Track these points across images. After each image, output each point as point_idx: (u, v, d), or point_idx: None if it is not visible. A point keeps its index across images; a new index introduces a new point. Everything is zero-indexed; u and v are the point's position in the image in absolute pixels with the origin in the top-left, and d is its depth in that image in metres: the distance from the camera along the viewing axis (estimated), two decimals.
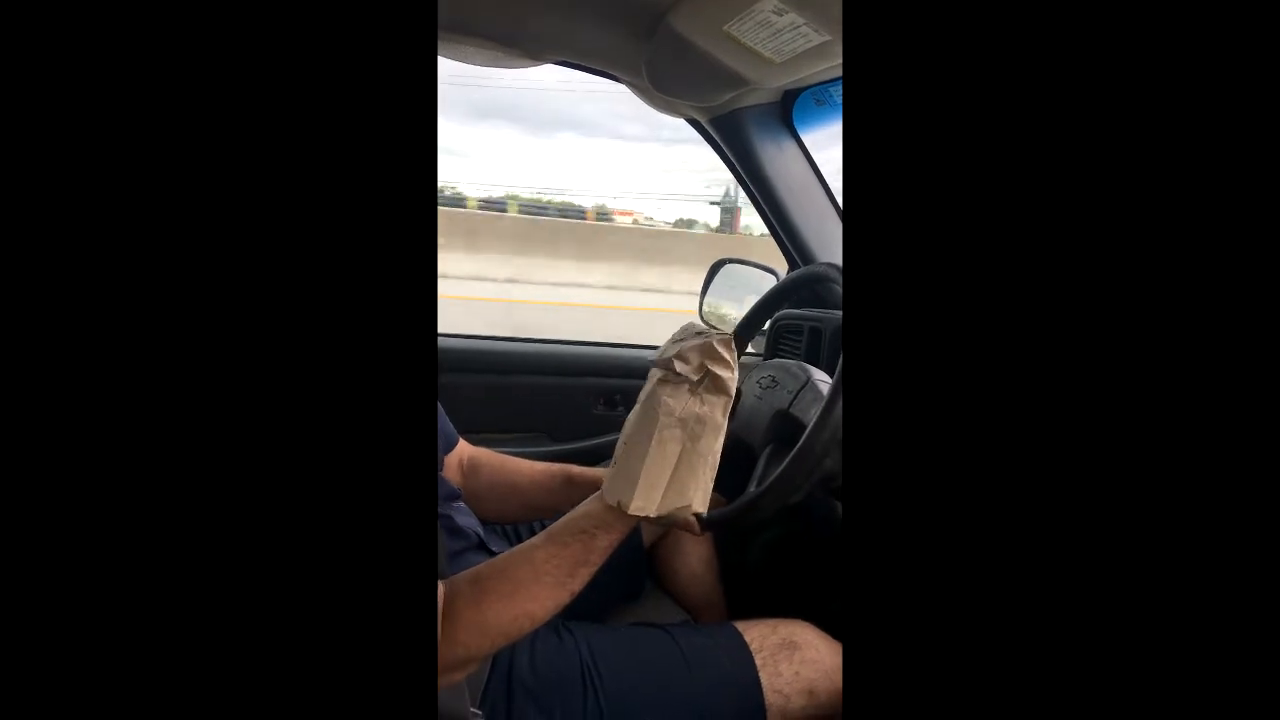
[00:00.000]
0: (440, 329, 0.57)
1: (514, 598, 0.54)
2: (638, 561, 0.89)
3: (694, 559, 0.92)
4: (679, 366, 0.53)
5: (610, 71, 0.98)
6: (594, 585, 0.58)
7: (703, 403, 0.53)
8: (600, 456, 0.93)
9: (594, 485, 0.80)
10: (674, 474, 0.53)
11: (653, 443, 0.53)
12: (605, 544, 0.56)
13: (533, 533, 0.89)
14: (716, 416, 0.53)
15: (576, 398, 1.33)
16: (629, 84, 0.99)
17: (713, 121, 1.06)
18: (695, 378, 0.53)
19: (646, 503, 0.53)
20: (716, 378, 0.53)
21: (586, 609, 0.65)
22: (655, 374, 0.57)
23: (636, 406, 0.57)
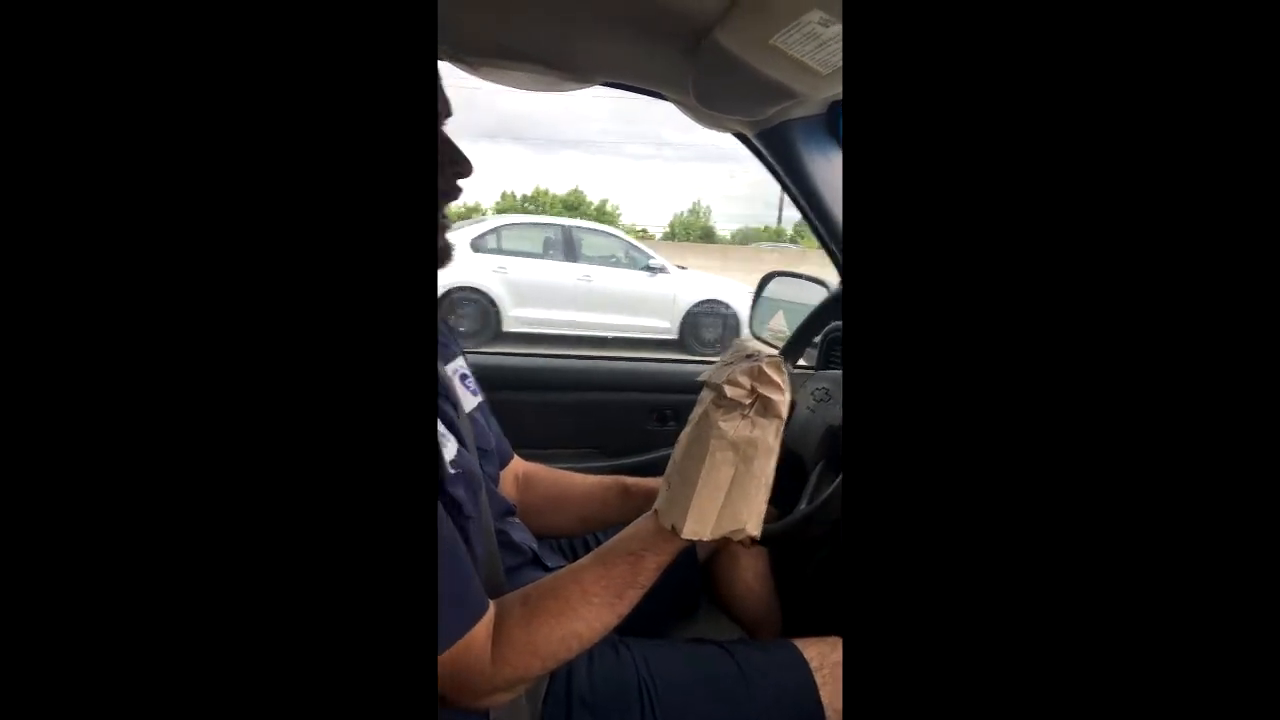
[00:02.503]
0: None
1: (562, 617, 0.54)
2: (693, 577, 0.89)
3: (750, 574, 0.91)
4: (730, 391, 0.54)
5: (656, 89, 0.99)
6: (650, 600, 0.58)
7: (754, 426, 0.53)
8: (653, 472, 0.93)
9: (649, 496, 0.80)
10: (727, 497, 0.53)
11: (705, 466, 0.53)
12: (654, 565, 0.56)
13: (587, 547, 0.90)
14: (768, 439, 0.53)
15: (628, 413, 1.34)
16: (675, 101, 1.00)
17: (760, 135, 1.06)
18: (747, 402, 0.53)
19: (700, 527, 0.53)
20: (768, 400, 0.53)
21: (642, 624, 0.65)
22: (707, 395, 0.57)
23: (688, 428, 0.57)
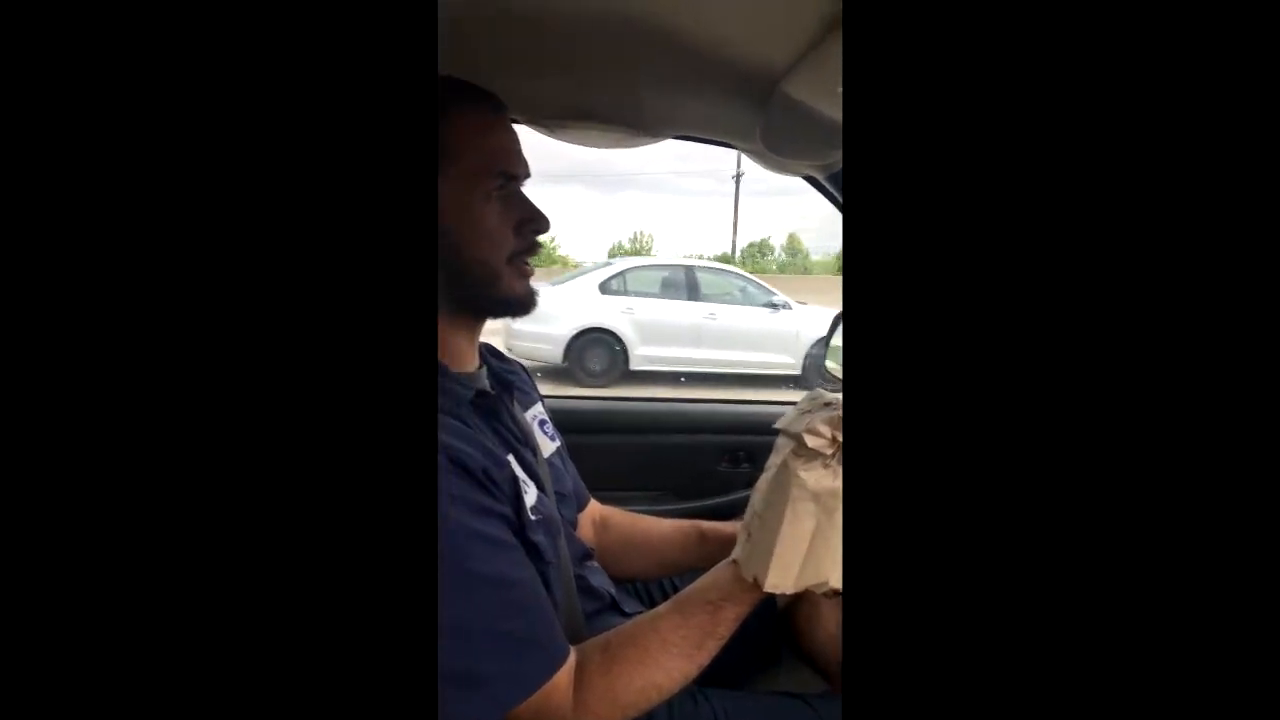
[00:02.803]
0: None
1: (642, 666, 0.55)
2: (772, 626, 0.87)
3: (832, 623, 0.88)
4: (810, 441, 0.53)
5: (725, 140, 1.01)
6: (728, 649, 0.58)
7: (836, 476, 0.52)
8: (726, 514, 0.92)
9: (726, 541, 0.79)
10: (810, 549, 0.52)
11: (786, 518, 0.52)
12: (733, 616, 0.56)
13: (665, 594, 0.91)
14: None
15: (701, 455, 1.34)
16: (743, 149, 1.02)
17: (830, 177, 1.06)
18: (828, 451, 0.53)
19: (783, 579, 0.53)
20: None
21: (722, 675, 0.65)
22: (785, 444, 0.56)
23: (768, 475, 0.57)
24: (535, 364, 5.91)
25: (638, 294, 6.15)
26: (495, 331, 5.69)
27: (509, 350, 5.77)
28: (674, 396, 1.41)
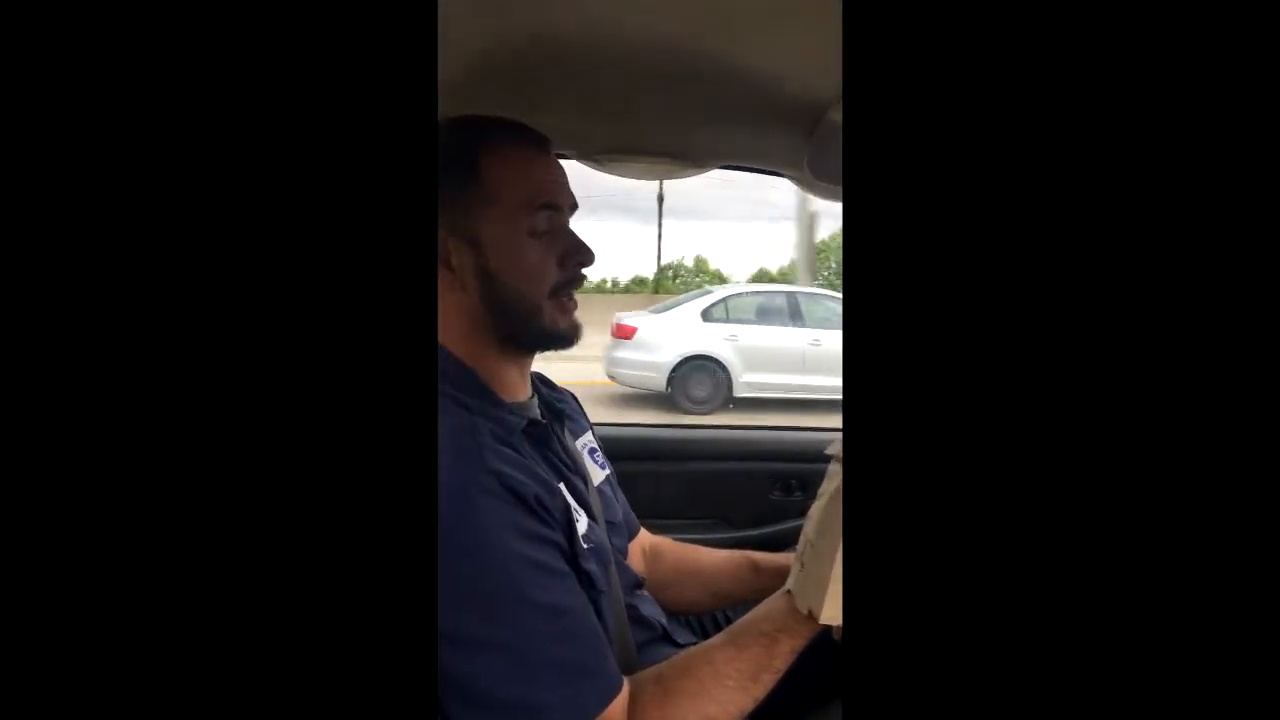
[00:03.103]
0: None
1: (697, 699, 0.54)
2: (828, 659, 0.84)
3: None
4: None
5: (772, 168, 1.02)
6: (782, 682, 0.57)
7: None
8: (779, 544, 0.90)
9: (779, 572, 0.77)
10: None
11: (841, 548, 0.51)
12: (789, 649, 0.55)
13: (717, 625, 0.89)
14: None
15: (752, 483, 1.32)
16: (791, 177, 1.02)
17: None
18: None
19: (839, 612, 0.51)
20: None
21: (777, 710, 0.63)
22: (838, 470, 0.56)
23: (820, 502, 0.56)
24: (638, 391, 5.98)
25: (740, 321, 6.12)
26: (596, 359, 5.82)
27: (612, 378, 5.88)
28: (718, 424, 1.40)
